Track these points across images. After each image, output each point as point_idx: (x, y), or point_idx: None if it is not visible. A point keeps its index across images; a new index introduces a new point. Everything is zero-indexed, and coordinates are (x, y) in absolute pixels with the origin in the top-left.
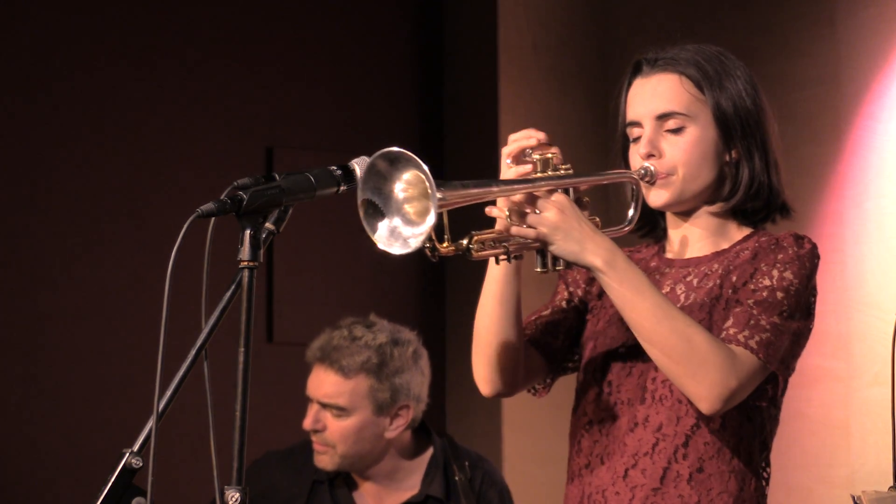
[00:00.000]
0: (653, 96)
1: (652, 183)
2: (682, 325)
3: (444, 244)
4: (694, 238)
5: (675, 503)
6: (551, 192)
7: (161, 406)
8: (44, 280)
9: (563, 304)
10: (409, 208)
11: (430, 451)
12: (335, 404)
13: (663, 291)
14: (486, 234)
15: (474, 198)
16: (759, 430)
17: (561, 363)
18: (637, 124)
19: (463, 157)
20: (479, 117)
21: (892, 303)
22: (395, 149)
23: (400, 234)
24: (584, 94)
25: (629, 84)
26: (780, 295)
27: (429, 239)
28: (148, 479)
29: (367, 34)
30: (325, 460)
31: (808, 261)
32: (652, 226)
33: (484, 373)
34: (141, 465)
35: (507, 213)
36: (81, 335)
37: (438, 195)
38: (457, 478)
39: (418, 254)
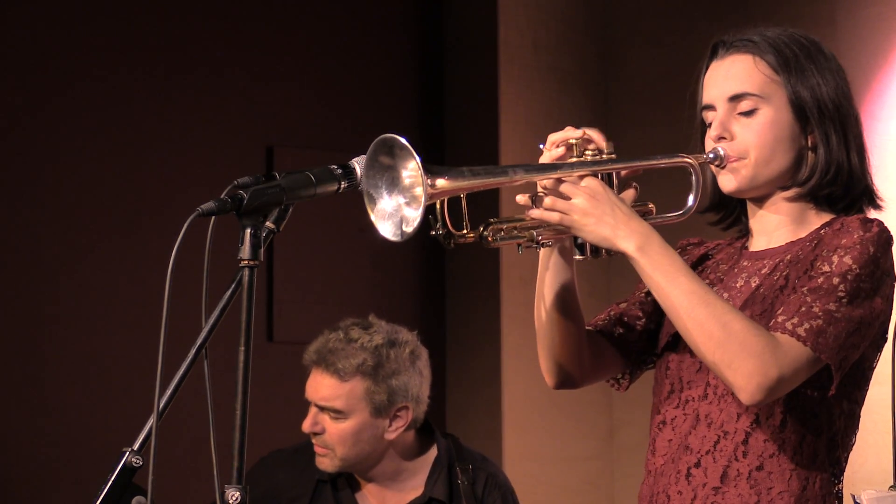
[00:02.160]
0: (726, 78)
1: (722, 167)
2: (719, 312)
3: (462, 231)
4: (772, 227)
5: (734, 503)
6: (583, 177)
7: (161, 405)
8: (44, 279)
9: (643, 296)
10: (419, 191)
11: (433, 452)
12: (332, 407)
13: (738, 284)
14: (509, 222)
15: (484, 185)
16: (827, 427)
17: (639, 356)
18: (711, 108)
19: (463, 155)
20: (480, 116)
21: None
22: (387, 136)
23: (403, 215)
24: (585, 92)
25: (707, 68)
26: (836, 281)
27: (444, 226)
28: (148, 477)
29: (367, 33)
30: (325, 462)
31: (873, 244)
32: (735, 217)
33: (544, 364)
34: (141, 463)
35: (532, 200)
36: (81, 334)
37: (429, 182)
38: (459, 481)
39: (419, 252)
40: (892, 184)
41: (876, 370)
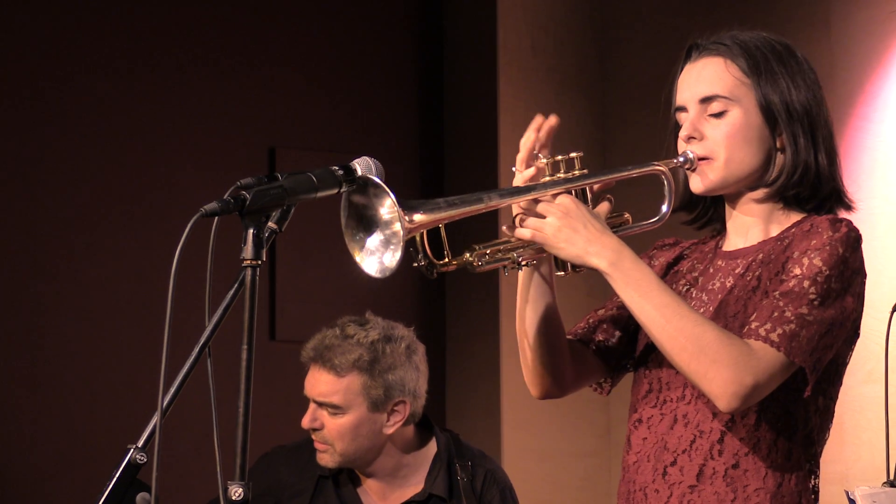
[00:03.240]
0: (697, 80)
1: (692, 169)
2: (690, 324)
3: (444, 259)
4: (744, 227)
5: (710, 500)
6: (557, 195)
7: (165, 402)
8: (49, 279)
9: (620, 301)
10: (397, 227)
11: (433, 448)
12: (330, 403)
13: (714, 286)
14: (492, 246)
15: (461, 214)
16: (803, 425)
17: (619, 361)
18: (683, 109)
19: (463, 157)
20: (479, 117)
21: (884, 301)
22: (360, 176)
23: (384, 251)
24: (582, 94)
25: (681, 70)
26: (806, 284)
27: (425, 257)
28: (152, 474)
29: (368, 37)
30: (325, 458)
31: (842, 245)
32: (708, 218)
33: (528, 376)
34: (145, 460)
35: (513, 221)
36: (86, 333)
37: (406, 218)
38: (459, 477)
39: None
40: (885, 184)
41: (870, 369)
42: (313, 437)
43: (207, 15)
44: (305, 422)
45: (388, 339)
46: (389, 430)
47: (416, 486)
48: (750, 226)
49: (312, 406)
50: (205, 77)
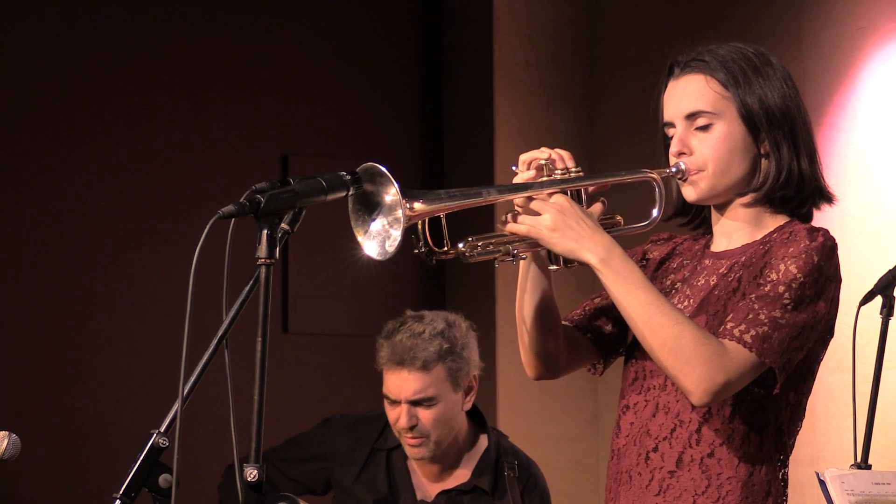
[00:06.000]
0: (681, 97)
1: (684, 179)
2: (671, 322)
3: (443, 248)
4: (731, 230)
5: (687, 486)
6: (552, 194)
7: (186, 391)
8: (82, 277)
9: None
10: (399, 213)
11: (484, 443)
12: (425, 397)
13: (699, 283)
14: (487, 238)
15: (460, 206)
16: (774, 418)
17: (612, 347)
18: (671, 125)
19: (461, 163)
20: (477, 128)
21: (852, 298)
22: (368, 164)
23: (386, 235)
24: (572, 106)
25: (665, 86)
26: (781, 289)
27: (426, 244)
28: (174, 457)
29: (374, 54)
30: (421, 451)
31: (817, 253)
32: (702, 219)
33: (525, 358)
34: (167, 444)
35: (507, 216)
36: (115, 326)
37: (407, 205)
38: (506, 474)
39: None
40: (854, 189)
41: (839, 359)
42: (408, 434)
43: (226, 38)
44: (404, 422)
45: (450, 324)
46: (468, 406)
47: (462, 477)
48: (735, 229)
49: (405, 406)
50: (223, 92)
